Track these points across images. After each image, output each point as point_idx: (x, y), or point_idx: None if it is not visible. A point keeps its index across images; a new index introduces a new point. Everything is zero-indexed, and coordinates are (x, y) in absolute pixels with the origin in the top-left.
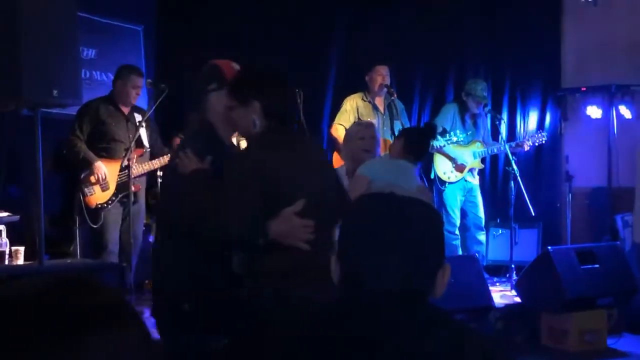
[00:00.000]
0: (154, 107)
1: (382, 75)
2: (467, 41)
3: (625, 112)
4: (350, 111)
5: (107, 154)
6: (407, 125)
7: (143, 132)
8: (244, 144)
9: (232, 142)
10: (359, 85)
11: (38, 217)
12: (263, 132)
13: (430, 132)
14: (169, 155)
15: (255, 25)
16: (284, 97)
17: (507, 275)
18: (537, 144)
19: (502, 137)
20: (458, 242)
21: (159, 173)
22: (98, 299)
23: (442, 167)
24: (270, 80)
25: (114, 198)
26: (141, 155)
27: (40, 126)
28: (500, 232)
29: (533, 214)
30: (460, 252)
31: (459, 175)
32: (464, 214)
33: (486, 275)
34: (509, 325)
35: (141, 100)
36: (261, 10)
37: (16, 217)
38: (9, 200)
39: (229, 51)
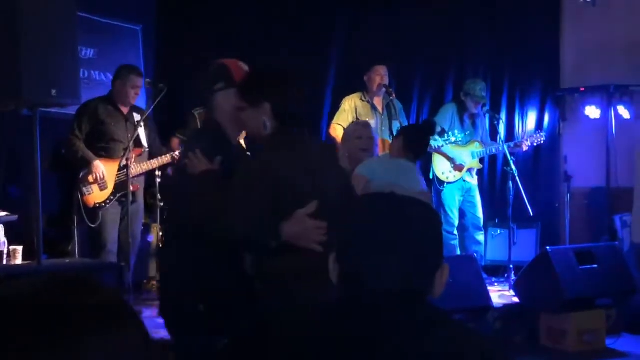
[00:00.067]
0: (152, 107)
1: (380, 75)
2: (466, 41)
3: (624, 112)
4: (349, 111)
5: (106, 154)
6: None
7: (142, 132)
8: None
9: (239, 142)
10: (358, 85)
11: (36, 216)
12: (273, 133)
13: (429, 129)
14: (167, 155)
15: (255, 25)
16: (295, 98)
17: (506, 276)
18: (535, 144)
19: (500, 137)
20: (456, 242)
21: (158, 173)
22: (97, 298)
23: (441, 167)
24: (281, 81)
25: (112, 197)
26: (140, 155)
27: (39, 126)
28: (498, 232)
29: (532, 214)
30: (458, 252)
31: (458, 176)
32: (462, 214)
33: (485, 276)
34: (508, 326)
35: (140, 100)
36: (261, 10)
37: (14, 217)
38: (7, 200)
39: (228, 51)
